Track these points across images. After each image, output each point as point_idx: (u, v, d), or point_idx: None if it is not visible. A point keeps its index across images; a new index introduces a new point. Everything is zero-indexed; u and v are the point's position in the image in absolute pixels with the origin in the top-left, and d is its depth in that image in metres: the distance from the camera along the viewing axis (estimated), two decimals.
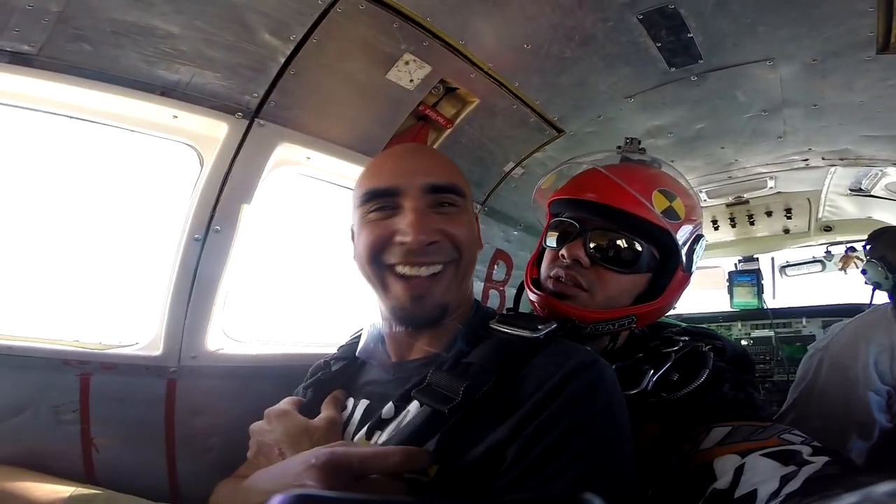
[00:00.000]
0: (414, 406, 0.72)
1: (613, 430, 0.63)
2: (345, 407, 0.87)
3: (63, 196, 1.32)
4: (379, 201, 0.79)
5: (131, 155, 1.29)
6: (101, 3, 0.97)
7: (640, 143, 1.13)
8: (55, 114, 1.12)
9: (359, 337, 0.97)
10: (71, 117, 1.14)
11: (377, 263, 0.78)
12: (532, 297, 1.06)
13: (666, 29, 1.33)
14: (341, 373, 0.95)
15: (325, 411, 0.82)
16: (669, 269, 1.00)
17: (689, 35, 1.35)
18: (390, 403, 0.77)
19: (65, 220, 1.33)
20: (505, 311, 0.92)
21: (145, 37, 1.06)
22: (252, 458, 0.81)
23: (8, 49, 0.97)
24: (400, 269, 0.77)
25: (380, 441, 0.73)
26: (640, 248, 0.97)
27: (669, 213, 0.97)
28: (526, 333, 0.74)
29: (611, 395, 0.66)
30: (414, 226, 0.75)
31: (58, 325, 1.19)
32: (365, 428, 0.77)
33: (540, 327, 0.74)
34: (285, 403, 0.84)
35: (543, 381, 0.65)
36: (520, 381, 0.67)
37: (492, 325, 0.80)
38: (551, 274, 1.02)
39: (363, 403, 0.84)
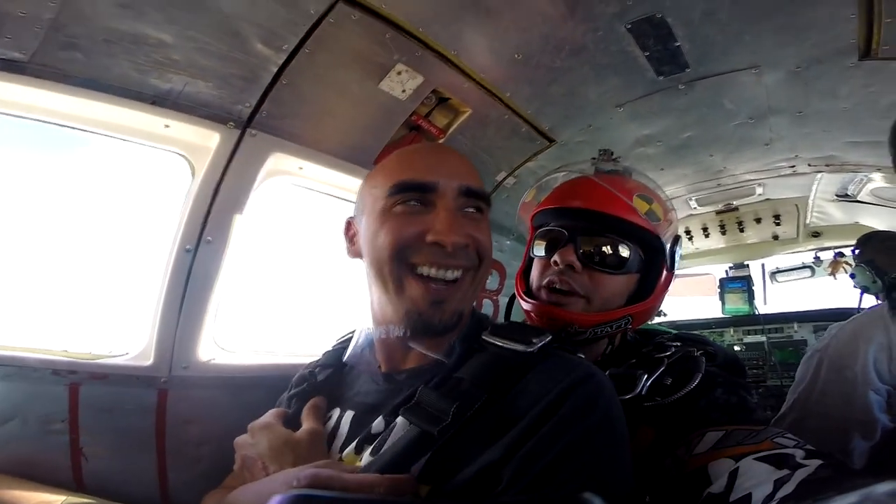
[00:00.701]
0: (403, 422, 0.70)
1: (613, 446, 0.62)
2: (329, 417, 0.84)
3: (54, 205, 1.31)
4: (411, 195, 0.75)
5: (123, 165, 1.29)
6: (93, 11, 0.98)
7: (612, 153, 1.16)
8: (45, 122, 1.12)
9: (345, 342, 0.95)
10: (61, 125, 1.14)
11: (398, 261, 0.74)
12: (526, 306, 1.07)
13: (654, 38, 1.35)
14: (326, 382, 0.92)
15: (307, 423, 0.79)
16: (656, 268, 1.04)
17: (676, 44, 1.37)
18: (380, 418, 0.75)
19: (56, 230, 1.32)
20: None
21: (137, 45, 1.06)
22: (237, 472, 0.79)
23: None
24: (424, 269, 0.73)
25: (368, 457, 0.70)
26: (627, 250, 1.00)
27: (650, 215, 1.00)
28: (520, 347, 0.70)
29: (609, 408, 0.64)
30: (450, 226, 0.72)
31: (48, 334, 1.18)
32: (354, 443, 0.75)
33: (534, 340, 0.70)
34: (269, 416, 0.82)
35: (539, 398, 0.62)
36: (513, 398, 0.65)
37: (484, 338, 0.76)
38: (544, 283, 1.03)
39: (349, 415, 0.81)
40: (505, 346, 0.72)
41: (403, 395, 0.75)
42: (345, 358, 0.91)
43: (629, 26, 1.31)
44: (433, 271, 0.73)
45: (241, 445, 0.79)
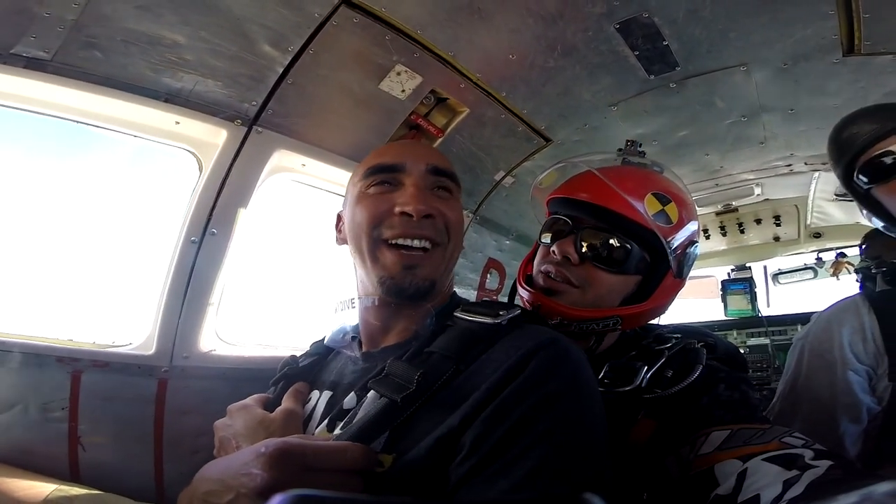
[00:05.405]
0: (373, 395, 0.71)
1: (579, 409, 0.61)
2: (309, 400, 0.86)
3: (62, 197, 1.37)
4: (381, 176, 0.82)
5: (131, 158, 1.35)
6: (113, 12, 1.05)
7: (640, 145, 1.15)
8: (64, 118, 1.18)
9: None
10: (78, 122, 1.20)
11: (371, 236, 0.80)
12: (522, 293, 1.07)
13: (642, 37, 1.40)
14: (309, 367, 0.95)
15: (285, 403, 0.82)
16: (659, 272, 1.00)
17: (664, 43, 1.42)
18: (352, 393, 0.77)
19: (64, 221, 1.37)
20: None
21: (153, 46, 1.13)
22: (216, 454, 0.79)
23: (24, 55, 1.04)
24: (394, 240, 0.79)
25: (339, 432, 0.70)
26: (629, 249, 0.97)
27: (661, 216, 0.97)
28: (487, 320, 0.72)
29: (576, 372, 0.64)
30: (415, 197, 0.78)
31: (53, 323, 1.21)
32: (326, 420, 0.77)
33: (502, 313, 0.72)
34: (249, 399, 0.84)
35: (502, 363, 0.63)
36: (479, 367, 0.66)
37: (455, 314, 0.79)
38: (542, 269, 1.03)
39: (326, 395, 0.84)
40: (474, 319, 0.74)
41: (376, 371, 0.77)
42: (325, 341, 0.95)
43: (617, 26, 1.36)
44: (401, 240, 0.78)
45: (220, 427, 0.80)
